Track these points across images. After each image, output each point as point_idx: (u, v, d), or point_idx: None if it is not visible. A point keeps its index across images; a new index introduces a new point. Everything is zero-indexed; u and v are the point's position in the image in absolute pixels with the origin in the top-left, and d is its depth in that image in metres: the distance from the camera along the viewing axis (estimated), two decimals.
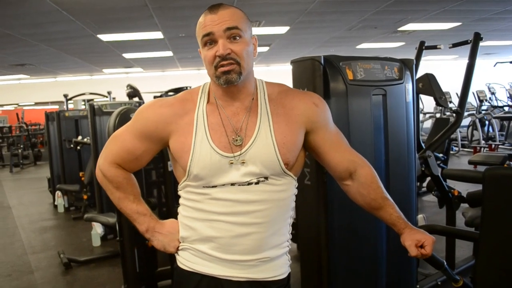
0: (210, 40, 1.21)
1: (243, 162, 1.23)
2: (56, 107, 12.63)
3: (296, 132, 1.28)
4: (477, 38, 3.23)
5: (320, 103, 1.35)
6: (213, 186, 1.24)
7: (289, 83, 1.93)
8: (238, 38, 1.21)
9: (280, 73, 8.57)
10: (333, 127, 1.37)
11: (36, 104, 14.89)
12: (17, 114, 13.89)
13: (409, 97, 2.07)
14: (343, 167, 1.35)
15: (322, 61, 1.81)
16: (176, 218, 1.38)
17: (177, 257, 1.37)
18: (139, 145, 1.32)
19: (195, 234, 1.29)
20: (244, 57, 1.22)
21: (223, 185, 1.24)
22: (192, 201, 1.29)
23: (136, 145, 1.32)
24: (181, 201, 1.34)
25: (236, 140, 1.23)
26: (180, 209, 1.35)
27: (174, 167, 1.34)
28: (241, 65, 1.21)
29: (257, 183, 1.24)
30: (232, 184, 1.23)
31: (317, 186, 1.85)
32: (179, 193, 1.34)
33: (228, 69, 1.20)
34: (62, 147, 6.19)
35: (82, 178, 5.55)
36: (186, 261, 1.32)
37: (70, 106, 8.69)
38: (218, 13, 1.20)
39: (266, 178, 1.24)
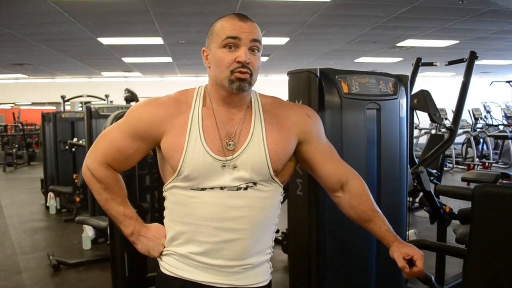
0: (233, 43, 1.22)
1: (235, 167, 1.24)
2: (53, 108, 12.61)
3: (288, 140, 1.30)
4: (473, 56, 3.27)
5: (313, 115, 1.38)
6: (202, 189, 1.25)
7: (286, 93, 1.96)
8: (256, 52, 1.25)
9: (278, 83, 8.58)
10: (324, 139, 1.40)
11: (33, 104, 14.86)
12: (13, 114, 13.86)
13: (403, 112, 2.09)
14: (335, 178, 1.37)
15: (318, 74, 1.83)
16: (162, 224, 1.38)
17: (160, 262, 1.37)
18: (131, 144, 1.31)
19: (181, 237, 1.30)
20: (256, 70, 1.26)
21: (212, 188, 1.24)
22: (178, 204, 1.29)
23: (128, 144, 1.31)
24: (166, 203, 1.33)
25: (229, 145, 1.25)
26: (165, 213, 1.35)
27: (161, 167, 1.34)
28: (252, 77, 1.24)
29: (245, 188, 1.25)
30: (222, 188, 1.24)
31: (309, 197, 1.87)
32: (164, 194, 1.33)
33: (244, 77, 1.22)
34: (57, 148, 6.17)
35: (76, 180, 5.53)
36: (169, 266, 1.33)
37: (67, 107, 8.70)
38: (248, 23, 1.24)
39: (255, 183, 1.26)
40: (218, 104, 1.29)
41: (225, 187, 1.24)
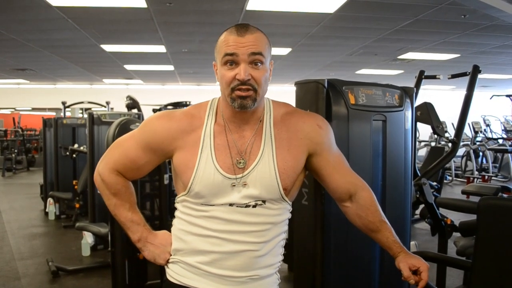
0: (232, 60, 1.20)
1: (245, 184, 1.25)
2: (53, 113, 12.63)
3: (297, 157, 1.30)
4: (476, 70, 3.29)
5: (324, 125, 1.37)
6: (211, 205, 1.26)
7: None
8: (259, 64, 1.22)
9: (280, 93, 8.58)
10: (335, 150, 1.39)
11: (33, 109, 14.88)
12: (13, 119, 13.86)
13: (408, 124, 2.10)
14: (344, 189, 1.37)
15: (326, 85, 1.85)
16: (169, 231, 1.39)
17: (166, 269, 1.37)
18: (142, 156, 1.33)
19: (188, 247, 1.30)
20: (262, 84, 1.23)
21: (222, 204, 1.26)
22: (188, 216, 1.30)
23: (139, 155, 1.33)
24: (177, 213, 1.35)
25: (240, 162, 1.26)
26: (175, 222, 1.36)
27: (174, 180, 1.35)
28: (257, 91, 1.22)
29: (254, 206, 1.26)
30: (231, 205, 1.25)
31: (314, 207, 1.86)
32: (176, 205, 1.35)
33: (245, 94, 1.20)
34: (57, 154, 6.17)
35: (76, 187, 5.52)
36: (176, 274, 1.33)
37: (68, 113, 8.72)
38: (246, 36, 1.20)
39: (264, 202, 1.27)
40: (229, 120, 1.29)
41: (233, 204, 1.25)
